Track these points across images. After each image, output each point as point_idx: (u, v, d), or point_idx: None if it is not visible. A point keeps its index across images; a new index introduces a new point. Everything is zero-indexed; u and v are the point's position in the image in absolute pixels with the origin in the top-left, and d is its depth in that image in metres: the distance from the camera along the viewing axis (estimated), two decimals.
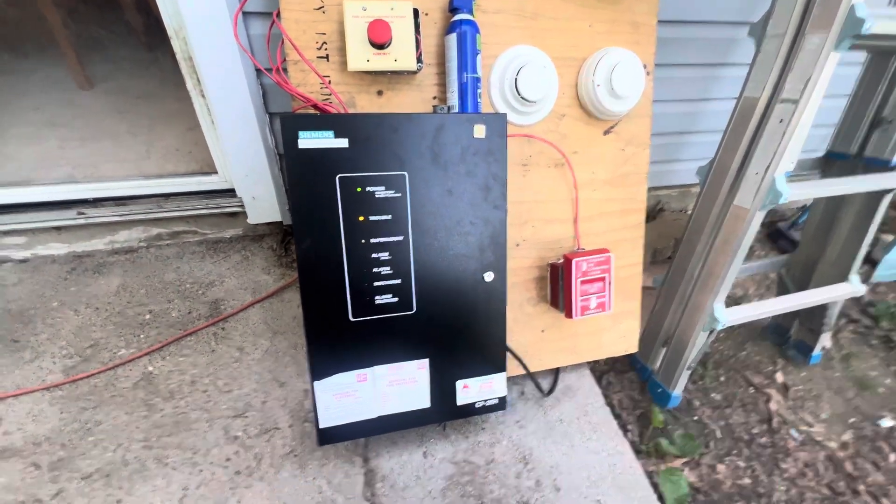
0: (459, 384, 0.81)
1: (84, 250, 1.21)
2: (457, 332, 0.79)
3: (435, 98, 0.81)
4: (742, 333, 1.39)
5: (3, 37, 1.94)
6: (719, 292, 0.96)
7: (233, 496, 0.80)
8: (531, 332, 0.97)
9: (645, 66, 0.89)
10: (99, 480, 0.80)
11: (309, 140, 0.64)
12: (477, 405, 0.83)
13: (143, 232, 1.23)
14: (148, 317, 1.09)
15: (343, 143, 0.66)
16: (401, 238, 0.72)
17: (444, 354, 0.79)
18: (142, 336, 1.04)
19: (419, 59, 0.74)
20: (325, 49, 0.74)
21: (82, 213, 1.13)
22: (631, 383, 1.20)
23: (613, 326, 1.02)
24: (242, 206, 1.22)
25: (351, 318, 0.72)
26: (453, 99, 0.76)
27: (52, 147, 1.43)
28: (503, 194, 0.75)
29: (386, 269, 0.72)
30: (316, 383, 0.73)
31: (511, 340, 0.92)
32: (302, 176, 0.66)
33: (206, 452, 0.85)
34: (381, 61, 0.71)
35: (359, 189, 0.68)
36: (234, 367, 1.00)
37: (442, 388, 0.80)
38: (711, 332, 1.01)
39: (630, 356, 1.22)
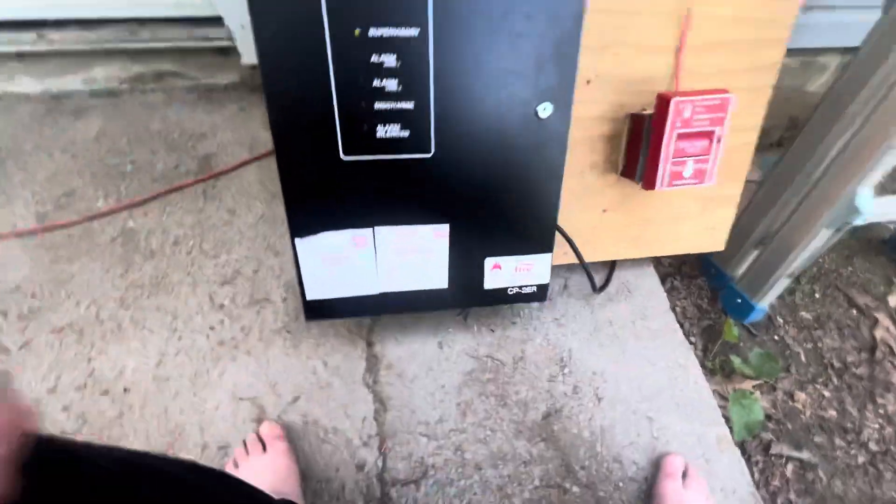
0: (488, 262, 0.62)
1: (60, 90, 1.03)
2: (492, 189, 0.57)
3: None
4: (850, 245, 1.10)
5: None
6: (869, 174, 0.68)
7: (214, 367, 0.69)
8: (589, 212, 0.73)
9: None
10: (70, 336, 0.70)
11: None
12: (510, 291, 0.64)
13: (122, 70, 1.02)
14: (129, 168, 0.93)
15: None
16: (415, 32, 0.47)
17: (471, 220, 0.58)
18: (122, 188, 0.90)
19: None
20: None
21: (42, 36, 0.92)
22: (699, 290, 0.98)
23: (701, 214, 0.77)
24: (233, 40, 0.97)
25: (342, 156, 0.51)
26: None
27: None
28: None
29: (392, 84, 0.49)
30: (298, 241, 0.55)
31: (561, 218, 0.69)
32: None
33: (188, 319, 0.73)
34: None
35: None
36: (224, 230, 0.85)
37: (465, 264, 0.61)
38: (838, 230, 0.75)
39: (702, 259, 0.99)
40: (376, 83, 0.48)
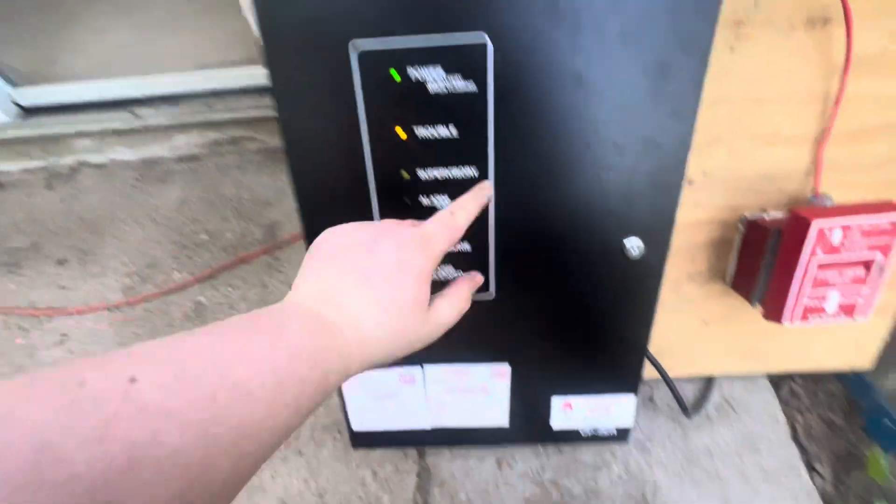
0: (557, 401, 0.52)
1: (150, 156, 1.12)
2: (563, 331, 0.47)
3: None
4: None
5: None
6: None
7: (266, 466, 0.68)
8: (686, 323, 0.61)
9: None
10: None
11: None
12: (582, 433, 0.55)
13: (201, 137, 1.08)
14: (204, 237, 0.97)
15: None
16: (474, 172, 0.39)
17: (536, 360, 0.49)
18: (196, 259, 0.94)
19: None
20: None
21: (136, 115, 1.00)
22: (831, 399, 0.78)
23: (839, 327, 0.60)
24: None
25: None
26: None
27: (123, 38, 1.31)
28: (697, 83, 0.36)
29: None
30: None
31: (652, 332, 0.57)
32: (290, 50, 0.35)
33: None
34: None
35: (395, 75, 0.36)
36: None
37: (529, 403, 0.53)
38: None
39: None
40: None
